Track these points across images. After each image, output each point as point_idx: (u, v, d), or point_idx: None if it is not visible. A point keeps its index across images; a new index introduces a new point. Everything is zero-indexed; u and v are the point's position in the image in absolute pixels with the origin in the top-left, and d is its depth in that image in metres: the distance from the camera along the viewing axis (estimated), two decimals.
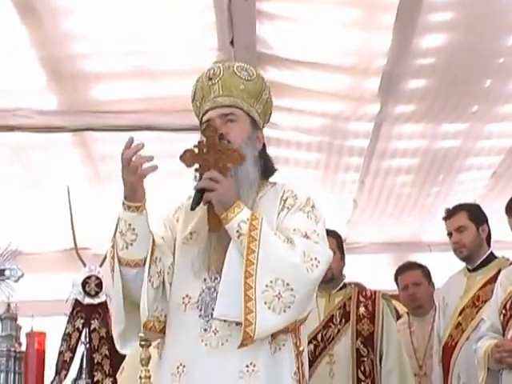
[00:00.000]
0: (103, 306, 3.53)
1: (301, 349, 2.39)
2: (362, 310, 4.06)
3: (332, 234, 4.20)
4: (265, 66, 4.30)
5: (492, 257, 4.25)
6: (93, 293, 3.52)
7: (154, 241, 2.41)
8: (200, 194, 2.33)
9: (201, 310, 2.36)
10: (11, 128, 4.67)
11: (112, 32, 4.02)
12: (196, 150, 2.35)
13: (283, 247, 2.29)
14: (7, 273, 3.75)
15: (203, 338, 2.33)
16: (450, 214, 4.28)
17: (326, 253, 2.35)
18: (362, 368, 3.98)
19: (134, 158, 2.27)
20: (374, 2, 3.93)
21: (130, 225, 2.34)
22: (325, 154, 5.36)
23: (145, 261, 2.37)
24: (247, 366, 2.29)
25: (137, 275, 2.37)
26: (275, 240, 2.30)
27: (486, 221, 4.28)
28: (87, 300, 3.51)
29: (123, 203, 2.34)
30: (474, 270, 4.24)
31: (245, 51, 4.06)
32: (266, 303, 2.22)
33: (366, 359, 4.00)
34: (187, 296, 2.40)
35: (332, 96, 4.68)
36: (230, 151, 2.35)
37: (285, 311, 2.23)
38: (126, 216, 2.34)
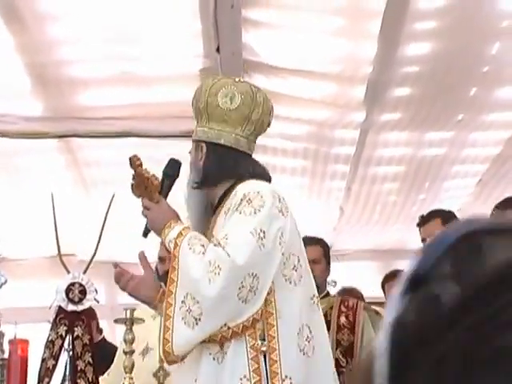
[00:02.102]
0: (87, 312, 3.50)
1: (263, 348, 2.34)
2: (342, 319, 3.97)
3: (319, 243, 4.15)
4: (251, 73, 4.30)
5: None
6: (76, 300, 3.48)
7: None
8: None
9: None
10: None
11: (98, 38, 4.01)
12: (134, 183, 2.50)
13: (193, 260, 2.33)
14: None
15: None
16: (424, 220, 4.13)
17: (226, 259, 2.28)
18: (341, 379, 3.89)
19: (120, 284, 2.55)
20: (359, 10, 3.94)
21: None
22: (311, 162, 5.36)
23: None
24: (195, 381, 2.34)
25: None
26: (189, 255, 2.33)
27: None
28: (70, 307, 3.47)
29: None
30: None
31: (231, 58, 4.06)
32: (182, 319, 2.27)
33: (344, 369, 3.93)
34: None
35: (318, 103, 4.68)
36: (145, 180, 2.47)
37: (197, 324, 2.27)
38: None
